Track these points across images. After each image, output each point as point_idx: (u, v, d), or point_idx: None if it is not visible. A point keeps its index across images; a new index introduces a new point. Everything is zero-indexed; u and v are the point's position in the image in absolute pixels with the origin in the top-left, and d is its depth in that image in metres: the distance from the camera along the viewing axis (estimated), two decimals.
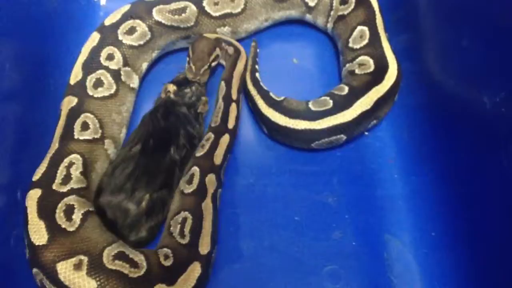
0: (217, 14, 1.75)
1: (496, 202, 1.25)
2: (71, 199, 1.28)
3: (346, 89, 1.58)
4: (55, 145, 1.40)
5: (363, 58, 1.67)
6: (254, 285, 1.42)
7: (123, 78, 1.62)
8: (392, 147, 1.67)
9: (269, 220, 1.52)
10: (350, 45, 1.74)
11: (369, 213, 1.54)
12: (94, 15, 1.94)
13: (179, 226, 1.33)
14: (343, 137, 1.55)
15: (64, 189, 1.30)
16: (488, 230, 1.27)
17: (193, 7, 1.72)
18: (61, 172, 1.33)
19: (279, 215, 1.53)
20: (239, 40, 1.83)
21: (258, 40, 1.85)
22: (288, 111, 1.55)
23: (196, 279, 1.21)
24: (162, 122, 1.54)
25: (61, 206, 1.25)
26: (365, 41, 1.70)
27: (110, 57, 1.61)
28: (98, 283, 1.11)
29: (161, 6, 1.69)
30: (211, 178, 1.43)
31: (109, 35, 1.64)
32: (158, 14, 1.68)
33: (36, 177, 1.31)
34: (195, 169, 1.44)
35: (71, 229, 1.21)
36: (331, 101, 1.55)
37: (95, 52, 1.61)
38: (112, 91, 1.58)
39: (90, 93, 1.53)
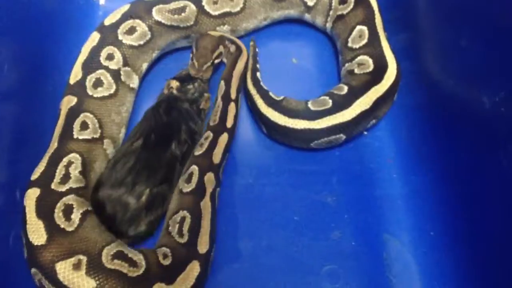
0: (216, 13, 1.76)
1: (495, 201, 1.25)
2: (70, 199, 1.28)
3: (345, 89, 1.58)
4: (54, 144, 1.40)
5: (362, 57, 1.67)
6: (253, 285, 1.42)
7: (123, 78, 1.62)
8: (391, 146, 1.67)
9: (268, 220, 1.52)
10: (349, 44, 1.74)
11: (368, 212, 1.54)
12: (93, 15, 1.93)
13: (177, 225, 1.33)
14: (342, 136, 1.55)
15: (63, 188, 1.30)
16: (487, 230, 1.27)
17: (192, 6, 1.72)
18: (60, 171, 1.33)
19: (278, 215, 1.53)
20: (238, 38, 1.83)
21: (257, 40, 1.85)
22: (288, 110, 1.55)
23: (195, 278, 1.21)
24: (164, 117, 1.55)
25: (60, 206, 1.25)
26: (364, 41, 1.70)
27: (110, 57, 1.61)
28: (97, 282, 1.11)
29: (161, 5, 1.69)
30: (210, 177, 1.43)
31: (109, 35, 1.64)
32: (158, 13, 1.68)
33: (34, 176, 1.31)
34: (194, 168, 1.44)
35: (70, 229, 1.21)
36: (330, 101, 1.55)
37: (95, 52, 1.61)
38: (112, 91, 1.57)
39: (90, 92, 1.53)
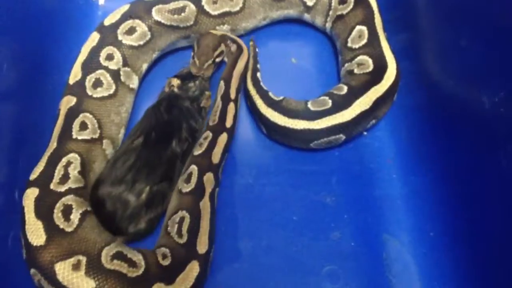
0: (216, 12, 1.75)
1: (495, 201, 1.25)
2: (69, 199, 1.28)
3: (345, 89, 1.58)
4: (53, 144, 1.40)
5: (362, 57, 1.67)
6: (253, 285, 1.42)
7: (122, 78, 1.62)
8: (391, 147, 1.66)
9: (268, 220, 1.52)
10: (349, 44, 1.74)
11: (368, 213, 1.54)
12: (92, 15, 1.93)
13: (176, 225, 1.33)
14: (342, 137, 1.55)
15: (62, 188, 1.30)
16: (487, 230, 1.27)
17: (192, 6, 1.72)
18: (59, 171, 1.33)
19: (277, 215, 1.53)
20: (238, 37, 1.83)
21: (256, 40, 1.85)
22: (287, 111, 1.55)
23: (195, 278, 1.21)
24: (165, 115, 1.55)
25: (59, 206, 1.24)
26: (364, 41, 1.70)
27: (110, 57, 1.61)
28: (97, 283, 1.11)
29: (160, 5, 1.69)
30: (209, 177, 1.43)
31: (108, 35, 1.64)
32: (158, 13, 1.68)
33: (33, 176, 1.31)
34: (193, 168, 1.44)
35: (69, 229, 1.21)
36: (330, 101, 1.55)
37: (95, 52, 1.60)
38: (112, 91, 1.57)
39: (89, 93, 1.53)
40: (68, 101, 1.50)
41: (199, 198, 1.38)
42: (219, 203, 1.49)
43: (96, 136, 1.48)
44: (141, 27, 1.67)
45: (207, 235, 1.31)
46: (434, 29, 1.59)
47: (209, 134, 1.52)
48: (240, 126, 1.67)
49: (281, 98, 1.62)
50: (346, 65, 1.71)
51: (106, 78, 1.57)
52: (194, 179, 1.41)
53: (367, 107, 1.52)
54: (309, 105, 1.56)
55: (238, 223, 1.52)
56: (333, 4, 1.81)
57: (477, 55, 1.34)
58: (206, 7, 1.74)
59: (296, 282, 1.43)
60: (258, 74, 1.74)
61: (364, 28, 1.72)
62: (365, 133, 1.68)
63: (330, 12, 1.82)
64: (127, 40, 1.65)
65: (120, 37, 1.64)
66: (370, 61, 1.64)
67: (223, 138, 1.51)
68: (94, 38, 1.64)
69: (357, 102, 1.52)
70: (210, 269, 1.35)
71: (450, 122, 1.45)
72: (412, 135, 1.63)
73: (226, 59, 1.76)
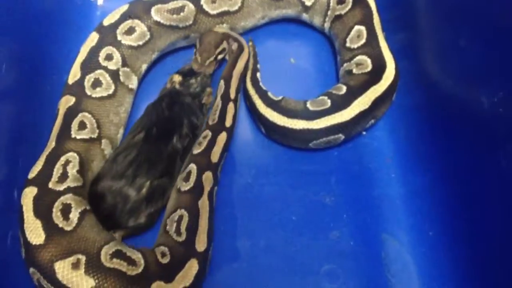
0: (215, 12, 1.76)
1: (494, 201, 1.25)
2: (67, 198, 1.27)
3: (344, 89, 1.58)
4: (51, 143, 1.40)
5: (360, 57, 1.67)
6: (252, 285, 1.42)
7: (121, 78, 1.62)
8: (390, 146, 1.67)
9: (267, 220, 1.52)
10: (348, 44, 1.74)
11: (367, 212, 1.54)
12: (91, 15, 1.93)
13: (175, 224, 1.33)
14: (341, 136, 1.55)
15: (61, 187, 1.29)
16: (486, 230, 1.27)
17: (191, 6, 1.71)
18: (57, 170, 1.33)
19: (276, 215, 1.53)
20: None
21: (255, 40, 1.85)
22: (286, 110, 1.56)
23: (194, 276, 1.21)
24: (166, 111, 1.57)
25: (57, 205, 1.24)
26: (363, 41, 1.70)
27: (109, 57, 1.61)
28: (96, 281, 1.11)
29: (159, 5, 1.69)
30: (208, 176, 1.43)
31: (107, 35, 1.64)
32: (157, 13, 1.68)
33: (31, 175, 1.31)
34: (192, 167, 1.44)
35: (69, 228, 1.20)
36: (329, 101, 1.55)
37: (94, 52, 1.60)
38: (111, 92, 1.57)
39: (88, 92, 1.52)
40: (67, 101, 1.50)
41: (197, 196, 1.38)
42: (218, 203, 1.49)
43: (95, 135, 1.48)
44: (140, 27, 1.66)
45: (205, 234, 1.31)
46: (433, 29, 1.60)
47: (208, 133, 1.52)
48: (239, 126, 1.67)
49: (280, 98, 1.62)
50: (345, 65, 1.72)
51: (105, 78, 1.57)
52: (193, 178, 1.41)
53: (366, 107, 1.53)
54: (308, 105, 1.56)
55: (237, 222, 1.52)
56: (331, 4, 1.81)
57: (476, 55, 1.34)
58: (205, 7, 1.74)
59: (295, 281, 1.43)
60: (258, 74, 1.74)
61: (362, 28, 1.72)
62: (364, 133, 1.68)
63: (329, 12, 1.82)
64: (126, 40, 1.65)
65: (119, 37, 1.64)
66: (368, 61, 1.64)
67: (223, 137, 1.51)
68: (93, 38, 1.64)
69: (356, 102, 1.52)
70: (209, 268, 1.35)
71: (449, 122, 1.45)
72: (411, 134, 1.63)
73: (227, 57, 1.76)
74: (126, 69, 1.64)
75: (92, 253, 1.17)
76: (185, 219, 1.33)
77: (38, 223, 1.19)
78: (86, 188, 1.40)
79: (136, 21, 1.66)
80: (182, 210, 1.35)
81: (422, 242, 1.47)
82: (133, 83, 1.68)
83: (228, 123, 1.55)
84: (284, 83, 1.79)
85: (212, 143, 1.49)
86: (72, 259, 1.13)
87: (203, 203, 1.37)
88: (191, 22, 1.74)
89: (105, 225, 1.36)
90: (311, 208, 1.54)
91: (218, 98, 1.60)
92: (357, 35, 1.72)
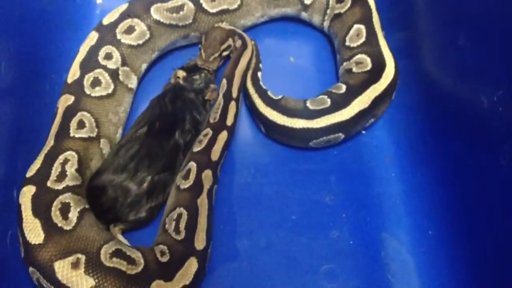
0: (214, 10, 1.76)
1: (494, 200, 1.25)
2: (66, 197, 1.27)
3: (343, 88, 1.58)
4: (50, 142, 1.40)
5: (360, 56, 1.67)
6: (251, 285, 1.42)
7: (121, 78, 1.61)
8: (389, 145, 1.67)
9: (266, 219, 1.52)
10: (347, 43, 1.74)
11: (366, 211, 1.54)
12: (90, 14, 1.93)
13: (174, 222, 1.33)
14: (341, 135, 1.55)
15: (60, 186, 1.29)
16: (486, 229, 1.27)
17: (190, 4, 1.71)
18: (56, 168, 1.33)
19: (276, 214, 1.53)
20: None
21: (254, 38, 1.84)
22: (286, 110, 1.56)
23: (194, 274, 1.22)
24: (169, 106, 1.57)
25: (56, 204, 1.24)
26: (362, 40, 1.70)
27: (108, 56, 1.60)
28: (96, 280, 1.11)
29: (159, 4, 1.68)
30: (207, 174, 1.43)
31: (107, 34, 1.63)
32: (156, 12, 1.68)
33: (30, 173, 1.31)
34: (192, 165, 1.45)
35: (68, 227, 1.20)
36: (328, 100, 1.55)
37: (93, 51, 1.60)
38: (110, 91, 1.57)
39: (87, 92, 1.52)
40: (66, 100, 1.50)
41: (197, 195, 1.38)
42: (217, 202, 1.49)
43: (94, 135, 1.48)
44: (140, 26, 1.66)
45: (204, 232, 1.31)
46: (433, 28, 1.59)
47: (209, 132, 1.52)
48: (238, 125, 1.67)
49: (279, 97, 1.62)
50: (345, 63, 1.71)
51: (105, 77, 1.57)
52: (192, 176, 1.41)
53: (366, 105, 1.52)
54: (308, 104, 1.56)
55: (236, 222, 1.52)
56: (330, 2, 1.81)
57: (476, 53, 1.34)
58: (204, 5, 1.74)
59: (294, 281, 1.43)
60: (259, 74, 1.74)
61: (362, 26, 1.72)
62: (363, 132, 1.68)
63: (328, 11, 1.82)
64: (126, 39, 1.64)
65: (119, 36, 1.64)
66: (368, 59, 1.64)
67: (223, 136, 1.52)
68: (92, 37, 1.64)
69: (356, 101, 1.52)
70: (208, 267, 1.35)
71: (448, 121, 1.45)
72: (410, 133, 1.63)
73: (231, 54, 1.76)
74: (125, 68, 1.64)
75: (91, 252, 1.16)
76: (184, 217, 1.33)
77: (37, 223, 1.19)
78: (85, 187, 1.40)
79: (136, 20, 1.66)
80: (181, 209, 1.35)
81: (422, 241, 1.47)
82: (133, 82, 1.68)
83: (229, 121, 1.55)
84: (284, 82, 1.79)
85: (212, 141, 1.50)
86: (71, 258, 1.13)
87: (202, 201, 1.37)
88: (190, 20, 1.74)
89: (106, 218, 1.37)
90: (311, 207, 1.54)
91: (220, 96, 1.61)
92: (356, 34, 1.72)
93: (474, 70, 1.35)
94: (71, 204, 1.26)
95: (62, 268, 1.11)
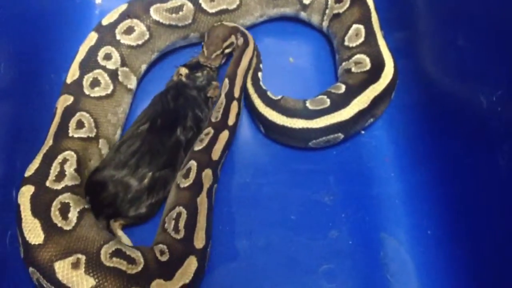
0: (213, 10, 1.76)
1: (493, 200, 1.25)
2: (66, 197, 1.27)
3: (343, 88, 1.58)
4: (49, 142, 1.39)
5: (359, 56, 1.67)
6: (250, 284, 1.42)
7: (120, 78, 1.61)
8: (389, 145, 1.67)
9: (265, 219, 1.52)
10: (346, 43, 1.74)
11: (366, 211, 1.54)
12: (89, 14, 1.93)
13: (173, 221, 1.33)
14: (340, 135, 1.55)
15: (59, 186, 1.29)
16: (485, 229, 1.27)
17: (189, 5, 1.71)
18: (55, 168, 1.32)
19: (275, 214, 1.53)
20: None
21: (254, 39, 1.84)
22: (286, 110, 1.56)
23: (193, 273, 1.22)
24: (171, 103, 1.58)
25: (56, 204, 1.24)
26: (361, 39, 1.70)
27: (108, 56, 1.60)
28: (97, 280, 1.11)
29: (158, 4, 1.68)
30: (207, 173, 1.43)
31: (106, 35, 1.63)
32: (156, 13, 1.67)
33: (28, 173, 1.30)
34: (192, 163, 1.45)
35: (68, 228, 1.20)
36: (328, 100, 1.55)
37: (93, 51, 1.60)
38: (109, 91, 1.57)
39: (87, 92, 1.52)
40: (65, 100, 1.50)
41: (196, 194, 1.38)
42: (217, 202, 1.49)
43: (93, 135, 1.48)
44: (140, 26, 1.66)
45: (204, 231, 1.31)
46: (432, 28, 1.59)
47: (210, 131, 1.52)
48: (238, 125, 1.67)
49: (279, 97, 1.62)
50: (344, 63, 1.72)
51: (104, 78, 1.57)
52: (192, 175, 1.42)
53: (365, 105, 1.53)
54: (308, 104, 1.57)
55: (235, 222, 1.52)
56: (329, 2, 1.81)
57: (475, 54, 1.33)
58: (204, 5, 1.74)
59: (293, 281, 1.42)
60: (260, 74, 1.74)
61: (361, 26, 1.72)
62: (363, 132, 1.68)
63: (327, 11, 1.83)
64: (125, 40, 1.64)
65: (118, 37, 1.64)
66: (367, 59, 1.65)
67: (225, 135, 1.52)
68: (92, 37, 1.64)
69: (355, 100, 1.52)
70: (207, 267, 1.35)
71: (448, 121, 1.45)
72: (409, 133, 1.63)
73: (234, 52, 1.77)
74: (125, 69, 1.64)
75: (92, 252, 1.16)
76: (183, 216, 1.33)
77: (36, 223, 1.19)
78: (83, 186, 1.39)
79: (135, 20, 1.66)
80: (180, 208, 1.35)
81: (421, 241, 1.47)
82: (132, 83, 1.68)
83: (231, 121, 1.55)
84: (283, 82, 1.79)
85: (213, 140, 1.50)
86: (72, 259, 1.13)
87: (202, 200, 1.37)
88: (190, 21, 1.74)
89: (106, 214, 1.37)
90: (310, 207, 1.54)
91: (222, 95, 1.60)
92: (355, 34, 1.72)
93: (473, 70, 1.35)
94: (71, 204, 1.26)
95: (62, 269, 1.11)
